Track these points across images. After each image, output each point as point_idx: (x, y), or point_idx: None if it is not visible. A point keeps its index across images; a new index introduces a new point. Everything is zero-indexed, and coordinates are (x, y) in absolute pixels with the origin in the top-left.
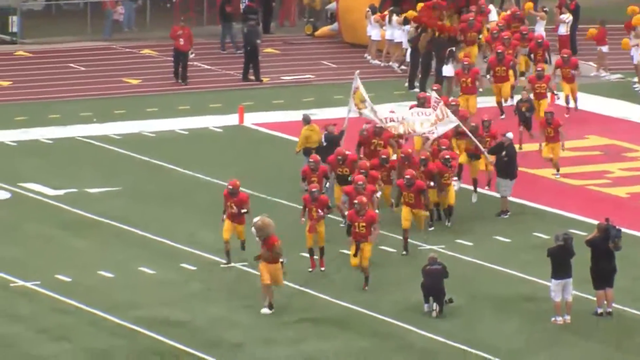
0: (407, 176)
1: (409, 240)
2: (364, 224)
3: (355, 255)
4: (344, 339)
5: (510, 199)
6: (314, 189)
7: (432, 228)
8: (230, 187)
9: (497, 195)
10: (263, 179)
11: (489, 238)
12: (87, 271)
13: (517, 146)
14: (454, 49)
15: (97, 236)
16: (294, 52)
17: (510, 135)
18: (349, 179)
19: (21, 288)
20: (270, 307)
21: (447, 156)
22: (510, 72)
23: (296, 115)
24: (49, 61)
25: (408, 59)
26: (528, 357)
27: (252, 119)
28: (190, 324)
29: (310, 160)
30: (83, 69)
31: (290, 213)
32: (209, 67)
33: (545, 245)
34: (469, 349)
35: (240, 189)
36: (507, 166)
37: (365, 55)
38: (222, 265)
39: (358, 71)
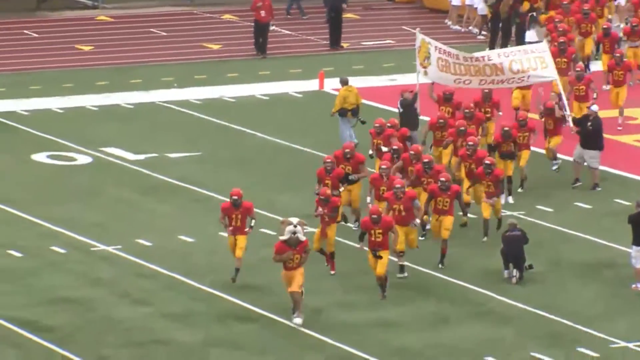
0: (443, 179)
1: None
2: (380, 231)
3: (375, 260)
4: (422, 305)
5: None
6: (322, 196)
7: (422, 238)
8: (235, 197)
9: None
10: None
11: (569, 204)
12: (167, 236)
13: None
14: (534, 14)
15: (177, 201)
16: (374, 17)
17: (595, 107)
18: (350, 177)
19: (102, 252)
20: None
21: (488, 161)
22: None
23: (377, 81)
24: (130, 26)
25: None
26: (607, 323)
27: (332, 85)
28: (267, 288)
29: (327, 160)
30: (164, 34)
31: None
32: (289, 32)
33: (626, 211)
34: (548, 315)
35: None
36: (592, 137)
37: (446, 20)
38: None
39: (418, 29)
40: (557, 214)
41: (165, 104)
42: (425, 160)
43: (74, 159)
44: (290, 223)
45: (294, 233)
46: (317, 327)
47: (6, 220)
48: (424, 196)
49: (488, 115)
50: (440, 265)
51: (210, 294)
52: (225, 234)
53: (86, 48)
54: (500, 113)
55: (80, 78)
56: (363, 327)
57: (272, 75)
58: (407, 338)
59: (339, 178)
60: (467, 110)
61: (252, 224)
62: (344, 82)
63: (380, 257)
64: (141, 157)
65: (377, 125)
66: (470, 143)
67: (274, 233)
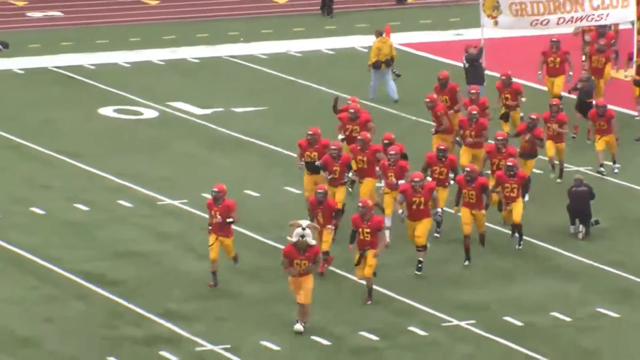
0: (468, 169)
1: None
2: (368, 231)
3: (357, 264)
4: (489, 260)
5: None
6: (320, 190)
7: (438, 235)
8: (215, 191)
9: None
10: (406, 99)
11: (635, 160)
12: (232, 190)
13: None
14: None
15: (243, 155)
16: None
17: None
18: (316, 164)
19: (169, 206)
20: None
21: (510, 163)
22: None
23: (443, 36)
24: None
25: None
26: None
27: (398, 39)
28: (335, 243)
29: (332, 147)
30: None
31: (429, 135)
32: None
33: None
34: (615, 271)
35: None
36: None
37: None
38: (209, 286)
39: None
40: (623, 170)
41: (231, 59)
42: (441, 147)
43: (140, 113)
44: (299, 225)
45: (302, 236)
46: (383, 283)
47: (73, 174)
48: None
49: (508, 102)
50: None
51: (275, 248)
52: (292, 189)
53: (153, 2)
54: (524, 99)
55: (147, 32)
56: (429, 283)
57: (338, 30)
58: (473, 293)
59: (347, 165)
60: (473, 92)
61: (229, 221)
62: (379, 34)
63: (360, 262)
64: (207, 111)
65: (351, 111)
66: (500, 137)
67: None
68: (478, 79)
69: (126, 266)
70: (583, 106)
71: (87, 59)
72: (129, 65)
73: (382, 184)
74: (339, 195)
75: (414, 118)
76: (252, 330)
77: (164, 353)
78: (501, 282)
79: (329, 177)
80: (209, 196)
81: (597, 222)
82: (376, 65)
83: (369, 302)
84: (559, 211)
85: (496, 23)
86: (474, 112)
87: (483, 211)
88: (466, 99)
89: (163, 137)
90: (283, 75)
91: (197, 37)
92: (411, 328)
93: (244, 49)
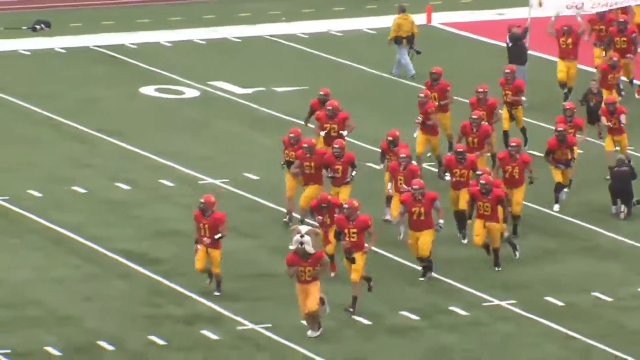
0: (483, 181)
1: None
2: (355, 231)
3: (351, 263)
4: (530, 239)
5: None
6: (323, 203)
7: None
8: (202, 202)
9: None
10: (457, 82)
11: None
12: (273, 169)
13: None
14: None
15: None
16: None
17: None
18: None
19: (210, 185)
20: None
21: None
22: None
23: (485, 15)
24: None
25: None
26: None
27: (439, 19)
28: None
29: (335, 146)
30: None
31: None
32: None
33: None
34: None
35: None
36: None
37: None
38: (208, 283)
39: None
40: None
41: (273, 38)
42: (459, 149)
43: (182, 93)
44: (298, 232)
45: (301, 244)
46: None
47: (115, 153)
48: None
49: (507, 99)
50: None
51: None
52: None
53: None
54: (524, 98)
55: (188, 11)
56: (470, 262)
57: (379, 9)
58: (514, 273)
59: (351, 163)
60: (480, 90)
61: (218, 237)
62: (401, 10)
63: (353, 261)
64: (248, 90)
65: (329, 108)
66: (514, 144)
67: (380, 167)
68: (520, 58)
69: (167, 245)
70: (594, 116)
71: (129, 38)
72: (170, 45)
73: (390, 187)
74: (343, 195)
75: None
76: (293, 310)
77: (205, 332)
78: (542, 262)
79: (329, 176)
80: (250, 175)
81: (638, 202)
82: (397, 41)
83: (351, 310)
84: (601, 191)
85: (540, 4)
86: (475, 116)
87: (498, 225)
88: (473, 97)
89: (204, 116)
90: (324, 55)
91: (239, 17)
92: (452, 308)
93: (285, 29)
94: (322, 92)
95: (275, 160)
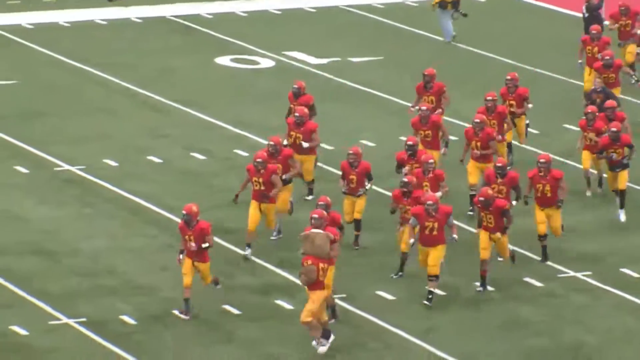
0: (482, 198)
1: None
2: None
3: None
4: (604, 212)
5: None
6: (321, 202)
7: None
8: (184, 214)
9: None
10: (531, 52)
11: None
12: (348, 139)
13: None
14: None
15: (359, 105)
16: None
17: None
18: (284, 177)
19: None
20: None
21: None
22: None
23: None
24: None
25: None
26: None
27: None
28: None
29: (350, 152)
30: None
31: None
32: None
33: None
34: None
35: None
36: None
37: None
38: (180, 316)
39: None
40: None
41: (348, 8)
42: (499, 164)
43: (257, 63)
44: (308, 238)
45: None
46: None
47: (190, 123)
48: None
49: (513, 109)
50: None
51: (389, 198)
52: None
53: None
54: (531, 105)
55: None
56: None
57: None
58: (589, 245)
59: (367, 174)
60: (489, 98)
61: (205, 246)
62: None
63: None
64: (323, 61)
65: (297, 115)
66: (543, 160)
67: (456, 138)
68: None
69: (242, 215)
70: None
71: (205, 8)
72: (245, 15)
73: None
74: (358, 207)
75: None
76: (368, 280)
77: (279, 302)
78: (617, 234)
79: (344, 189)
80: (324, 146)
81: None
82: (442, 5)
83: (333, 321)
84: None
85: None
86: (478, 120)
87: (504, 237)
88: (481, 107)
89: (279, 86)
90: (399, 25)
91: None
92: (527, 279)
93: None
94: (295, 86)
95: (349, 131)
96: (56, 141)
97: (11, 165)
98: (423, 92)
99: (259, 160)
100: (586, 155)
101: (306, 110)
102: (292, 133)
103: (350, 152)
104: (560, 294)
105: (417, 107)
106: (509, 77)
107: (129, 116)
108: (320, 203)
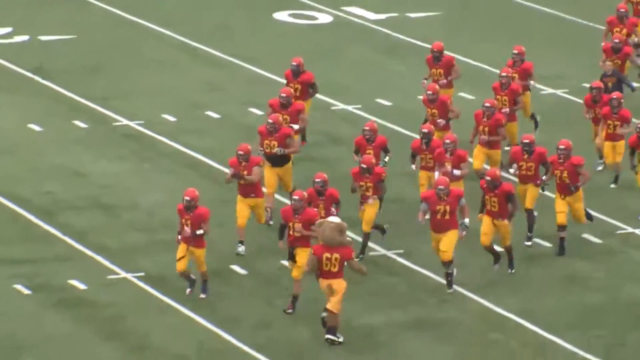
0: (488, 177)
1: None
2: (300, 225)
3: (294, 262)
4: None
5: None
6: (318, 179)
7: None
8: (187, 199)
9: None
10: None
11: None
12: (406, 96)
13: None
14: None
15: (417, 61)
16: None
17: None
18: (274, 150)
19: (342, 111)
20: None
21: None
22: None
23: None
24: None
25: None
26: None
27: None
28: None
29: (366, 128)
30: None
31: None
32: None
33: None
34: None
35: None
36: None
37: None
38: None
39: None
40: None
41: None
42: (526, 140)
43: (315, 18)
44: (325, 225)
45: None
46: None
47: (249, 79)
48: None
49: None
50: (510, 270)
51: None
52: (465, 95)
53: None
54: (533, 82)
55: None
56: (605, 190)
57: None
58: None
59: (383, 148)
60: (504, 74)
61: (199, 232)
62: None
63: (294, 260)
64: (382, 16)
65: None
66: (562, 147)
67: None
68: None
69: (298, 168)
70: None
71: None
72: None
73: (437, 174)
74: (368, 216)
75: None
76: (426, 237)
77: None
78: None
79: (358, 160)
80: (383, 102)
81: None
82: None
83: (290, 311)
84: None
85: None
86: (488, 104)
87: (506, 222)
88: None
89: (337, 42)
90: None
91: None
92: (585, 235)
93: None
94: (294, 63)
95: (406, 87)
96: (115, 96)
97: (70, 120)
98: (433, 65)
99: (240, 152)
100: (608, 147)
101: (292, 91)
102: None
103: (366, 128)
104: (619, 250)
105: (427, 80)
106: (515, 52)
107: (187, 71)
108: (317, 180)
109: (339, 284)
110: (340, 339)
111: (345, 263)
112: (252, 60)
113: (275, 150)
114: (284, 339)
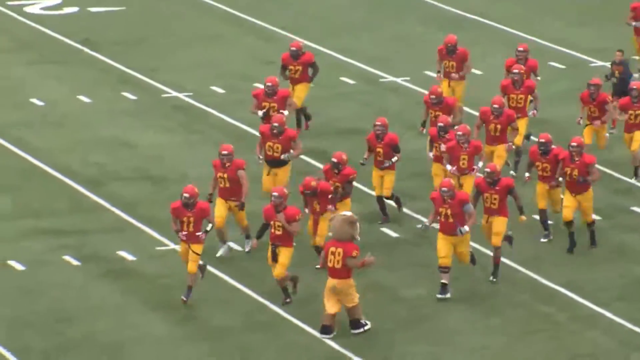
0: (488, 169)
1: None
2: (280, 224)
3: (274, 261)
4: None
5: None
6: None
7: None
8: (186, 196)
9: None
10: None
11: None
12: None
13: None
14: None
15: (463, 33)
16: None
17: None
18: (282, 157)
19: (390, 83)
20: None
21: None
22: None
23: None
24: None
25: None
26: None
27: None
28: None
29: (377, 123)
30: None
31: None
32: None
33: None
34: None
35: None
36: None
37: None
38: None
39: None
40: None
41: None
42: (542, 140)
43: None
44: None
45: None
46: (607, 163)
47: None
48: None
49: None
50: (492, 278)
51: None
52: None
53: None
54: (539, 77)
55: None
56: None
57: None
58: None
59: (391, 145)
60: (515, 72)
61: (209, 228)
62: None
63: (276, 259)
64: None
65: (268, 84)
66: (575, 144)
67: (564, 67)
68: None
69: (346, 142)
70: (617, 89)
71: None
72: None
73: (451, 168)
74: (387, 183)
75: None
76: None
77: (385, 229)
78: None
79: (361, 162)
80: (430, 73)
81: None
82: None
83: (288, 301)
84: None
85: None
86: (496, 105)
87: (502, 218)
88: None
89: (378, 16)
90: None
91: None
92: (633, 208)
93: None
94: (293, 47)
95: None
96: (163, 68)
97: (119, 92)
98: (445, 57)
99: (224, 152)
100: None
101: (278, 80)
102: (264, 104)
103: (377, 122)
104: None
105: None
106: (520, 49)
107: (236, 43)
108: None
109: (344, 284)
110: (367, 326)
111: (346, 260)
112: (299, 32)
113: (283, 157)
114: None
